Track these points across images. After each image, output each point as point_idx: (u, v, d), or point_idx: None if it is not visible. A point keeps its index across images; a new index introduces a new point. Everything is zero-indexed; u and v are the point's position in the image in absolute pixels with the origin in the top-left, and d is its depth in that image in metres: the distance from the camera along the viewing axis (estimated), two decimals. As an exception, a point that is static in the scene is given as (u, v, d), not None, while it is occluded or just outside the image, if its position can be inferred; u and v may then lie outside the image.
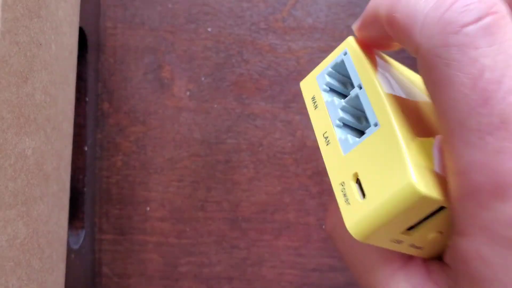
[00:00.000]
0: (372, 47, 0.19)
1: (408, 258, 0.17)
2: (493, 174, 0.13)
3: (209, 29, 0.34)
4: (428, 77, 0.15)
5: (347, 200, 0.15)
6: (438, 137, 0.16)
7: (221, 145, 0.34)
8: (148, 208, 0.34)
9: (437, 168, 0.15)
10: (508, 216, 0.13)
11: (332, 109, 0.17)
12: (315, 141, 0.34)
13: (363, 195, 0.15)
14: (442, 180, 0.14)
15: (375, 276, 0.17)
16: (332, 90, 0.18)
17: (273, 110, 0.34)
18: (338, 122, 0.17)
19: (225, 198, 0.35)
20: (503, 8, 0.14)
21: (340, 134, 0.17)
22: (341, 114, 0.17)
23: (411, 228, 0.15)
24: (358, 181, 0.15)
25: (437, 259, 0.17)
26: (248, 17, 0.34)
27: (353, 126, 0.17)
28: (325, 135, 0.17)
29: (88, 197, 0.33)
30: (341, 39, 0.34)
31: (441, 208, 0.14)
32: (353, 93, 0.17)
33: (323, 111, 0.17)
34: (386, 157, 0.14)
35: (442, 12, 0.14)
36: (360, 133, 0.17)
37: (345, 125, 0.17)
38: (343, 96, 0.18)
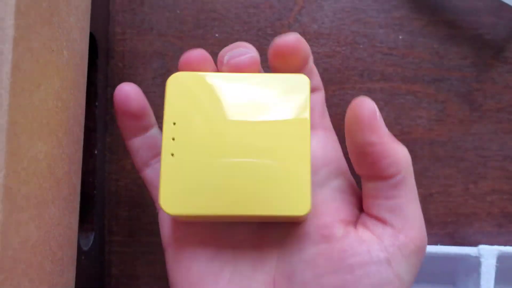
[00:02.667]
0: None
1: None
2: None
3: (217, 35, 0.34)
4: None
5: None
6: None
7: (228, 148, 0.35)
8: (156, 210, 0.35)
9: None
10: None
11: None
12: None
13: None
14: None
15: None
16: None
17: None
18: None
19: (232, 201, 0.35)
20: None
21: None
22: None
23: None
24: None
25: None
26: (255, 23, 0.34)
27: None
28: None
29: (98, 200, 0.33)
30: (346, 44, 0.34)
31: None
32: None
33: None
34: None
35: None
36: None
37: None
38: None
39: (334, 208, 0.25)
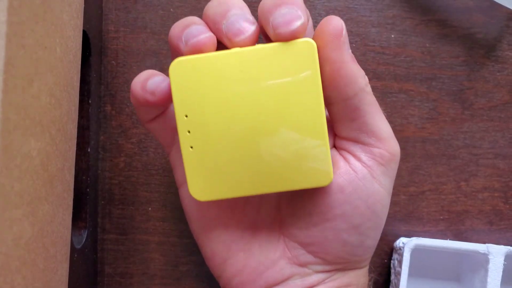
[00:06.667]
0: None
1: None
2: None
3: (210, 33, 0.34)
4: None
5: None
6: None
7: (221, 146, 0.35)
8: (150, 208, 0.35)
9: None
10: None
11: None
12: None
13: None
14: None
15: None
16: None
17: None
18: None
19: (226, 199, 0.35)
20: None
21: None
22: None
23: None
24: None
25: None
26: (249, 20, 0.34)
27: None
28: None
29: (91, 198, 0.33)
30: (340, 42, 0.34)
31: None
32: None
33: None
34: None
35: None
36: None
37: None
38: None
39: None
